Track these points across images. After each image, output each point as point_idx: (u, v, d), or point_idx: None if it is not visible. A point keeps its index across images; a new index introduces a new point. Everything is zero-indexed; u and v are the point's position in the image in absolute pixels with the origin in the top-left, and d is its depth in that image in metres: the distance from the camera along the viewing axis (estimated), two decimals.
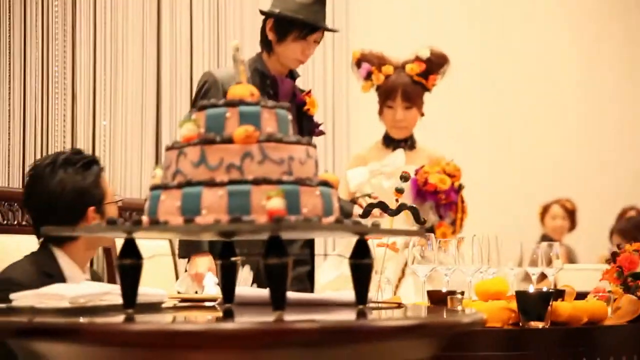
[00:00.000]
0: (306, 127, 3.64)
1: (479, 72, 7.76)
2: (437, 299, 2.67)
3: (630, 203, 7.83)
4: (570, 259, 7.42)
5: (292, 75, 3.68)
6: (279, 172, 2.04)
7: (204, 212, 1.99)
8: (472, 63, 7.61)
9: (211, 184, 2.00)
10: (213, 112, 2.12)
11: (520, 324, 2.62)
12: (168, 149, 2.11)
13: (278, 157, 2.05)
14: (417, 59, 4.13)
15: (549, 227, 7.43)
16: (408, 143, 4.15)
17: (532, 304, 2.62)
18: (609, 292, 3.03)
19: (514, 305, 2.65)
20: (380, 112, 4.17)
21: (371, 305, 2.27)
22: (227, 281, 2.31)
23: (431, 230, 3.53)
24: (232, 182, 2.00)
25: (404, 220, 3.52)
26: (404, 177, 2.98)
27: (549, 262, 3.80)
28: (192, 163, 2.05)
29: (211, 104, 2.13)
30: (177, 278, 3.99)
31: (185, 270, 3.42)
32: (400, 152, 4.06)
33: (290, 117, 2.19)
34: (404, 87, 4.09)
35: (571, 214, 7.45)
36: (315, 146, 2.17)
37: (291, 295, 2.23)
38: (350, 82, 6.21)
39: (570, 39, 8.35)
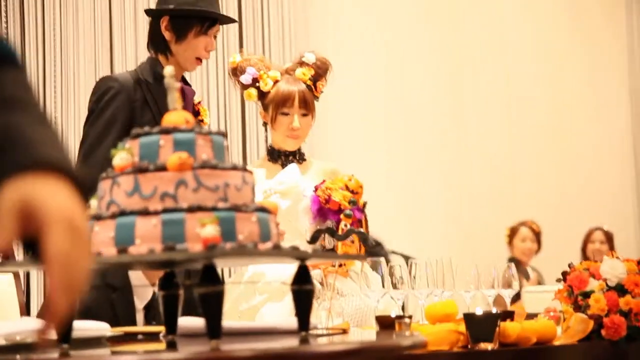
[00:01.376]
0: None
1: (440, 86, 7.78)
2: (386, 323, 2.65)
3: (594, 224, 7.89)
4: (539, 281, 7.44)
5: (187, 83, 3.55)
6: (214, 199, 2.02)
7: (138, 242, 1.96)
8: (431, 71, 7.64)
9: (145, 213, 1.97)
10: (146, 140, 2.09)
11: (469, 346, 2.61)
12: (102, 179, 2.08)
13: (213, 184, 2.03)
14: (304, 63, 3.79)
15: (518, 250, 7.45)
16: (297, 156, 3.78)
17: (480, 325, 2.61)
18: (560, 311, 3.02)
19: (462, 327, 2.63)
20: (273, 121, 3.69)
21: (314, 331, 2.25)
22: (170, 312, 2.28)
23: (333, 251, 3.29)
24: (166, 210, 1.97)
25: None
26: (353, 202, 2.96)
27: (506, 284, 3.81)
28: (125, 193, 2.02)
29: (144, 132, 2.10)
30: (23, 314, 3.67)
31: None
32: (294, 167, 3.72)
33: (226, 143, 2.17)
34: (301, 93, 3.70)
35: (538, 236, 7.48)
36: (251, 172, 2.15)
37: (232, 324, 2.21)
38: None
39: (535, 55, 8.40)
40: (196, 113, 3.53)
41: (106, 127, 3.28)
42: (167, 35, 3.40)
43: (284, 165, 3.74)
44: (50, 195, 1.17)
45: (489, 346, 2.60)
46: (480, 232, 7.86)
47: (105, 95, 3.34)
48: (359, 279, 2.95)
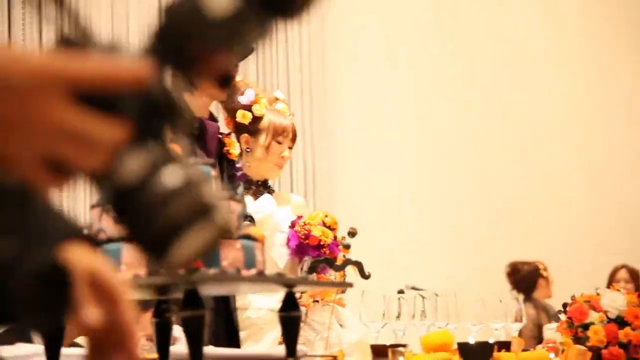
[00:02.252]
0: (227, 171, 3.43)
1: (464, 115, 7.81)
2: (380, 352, 2.67)
3: (619, 261, 7.84)
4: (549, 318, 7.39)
5: (214, 118, 3.50)
6: None
7: (124, 268, 2.01)
8: (447, 92, 7.68)
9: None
10: None
11: None
12: (92, 207, 2.14)
13: None
14: (277, 99, 3.87)
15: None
16: (267, 187, 3.84)
17: (474, 354, 2.63)
18: (560, 343, 3.03)
19: (457, 358, 2.66)
20: (267, 147, 3.74)
21: (302, 358, 2.28)
22: (162, 339, 2.32)
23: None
24: None
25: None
26: (351, 233, 3.00)
27: (515, 318, 3.82)
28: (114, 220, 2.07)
29: None
30: None
31: None
32: (268, 197, 3.76)
33: (214, 173, 2.22)
34: (294, 127, 3.82)
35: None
36: (238, 201, 2.20)
37: (219, 351, 2.25)
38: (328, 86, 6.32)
39: (563, 85, 8.42)
40: (222, 145, 3.48)
41: None
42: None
43: (254, 195, 3.75)
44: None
45: None
46: (493, 266, 7.84)
47: None
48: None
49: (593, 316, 3.07)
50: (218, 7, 0.95)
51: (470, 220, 7.76)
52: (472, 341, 2.67)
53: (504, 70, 8.17)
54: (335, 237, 3.48)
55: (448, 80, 7.73)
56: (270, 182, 3.87)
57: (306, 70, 6.41)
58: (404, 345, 2.69)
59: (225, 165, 3.40)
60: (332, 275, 3.10)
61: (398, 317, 3.24)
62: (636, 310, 3.06)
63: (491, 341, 2.84)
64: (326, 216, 3.51)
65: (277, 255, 3.55)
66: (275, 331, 3.39)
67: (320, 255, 3.40)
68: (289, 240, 3.56)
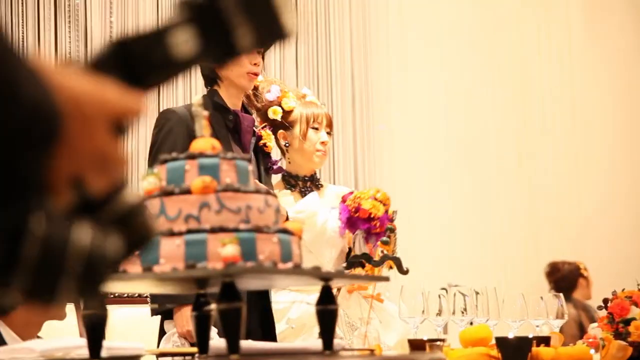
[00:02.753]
0: (263, 163, 3.45)
1: (500, 109, 7.78)
2: (417, 346, 2.68)
3: None
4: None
5: (248, 112, 3.53)
6: (236, 220, 2.09)
7: (162, 261, 2.04)
8: (492, 87, 7.66)
9: (169, 234, 2.06)
10: (173, 165, 2.18)
11: None
12: None
13: (235, 206, 2.10)
14: (306, 95, 3.86)
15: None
16: (314, 182, 3.81)
17: (512, 349, 2.63)
18: (600, 339, 3.02)
19: (495, 352, 2.65)
20: (304, 136, 3.73)
21: (340, 352, 2.29)
22: (202, 332, 2.35)
23: (359, 263, 3.20)
24: (189, 231, 2.06)
25: None
26: (390, 229, 3.01)
27: (556, 314, 3.81)
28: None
29: (172, 158, 2.20)
30: None
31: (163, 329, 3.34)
32: (314, 195, 3.74)
33: (250, 167, 2.25)
34: (327, 112, 3.82)
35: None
36: (275, 195, 2.22)
37: (256, 345, 2.27)
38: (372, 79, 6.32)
39: (603, 88, 8.36)
40: (259, 138, 3.51)
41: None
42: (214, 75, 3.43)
43: (301, 192, 3.76)
44: None
45: None
46: (534, 265, 7.81)
47: (163, 127, 3.39)
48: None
49: (634, 311, 3.07)
50: (183, 50, 1.00)
51: (512, 218, 7.73)
52: (511, 336, 2.67)
53: (549, 65, 8.12)
54: (386, 212, 3.47)
55: (492, 76, 7.71)
56: (317, 176, 3.88)
57: (348, 64, 6.43)
58: (442, 340, 2.70)
59: (261, 158, 3.42)
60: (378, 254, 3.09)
61: (438, 314, 3.25)
62: None
63: (531, 335, 2.84)
64: (378, 192, 3.50)
65: (324, 255, 3.57)
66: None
67: (370, 228, 3.40)
68: (340, 213, 3.57)
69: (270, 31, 1.07)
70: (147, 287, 2.85)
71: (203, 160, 2.17)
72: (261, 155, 3.44)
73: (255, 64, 3.40)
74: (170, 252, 2.04)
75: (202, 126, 2.27)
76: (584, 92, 8.26)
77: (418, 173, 7.07)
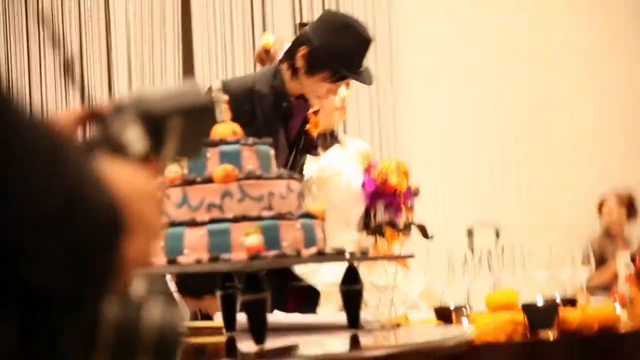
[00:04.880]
0: (305, 145, 3.40)
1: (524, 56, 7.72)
2: (443, 315, 2.70)
3: None
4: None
5: (305, 98, 3.36)
6: (259, 208, 2.11)
7: (186, 252, 2.07)
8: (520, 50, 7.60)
9: (192, 224, 2.08)
10: None
11: (529, 337, 2.64)
12: None
13: (257, 194, 2.12)
14: None
15: (604, 221, 7.37)
16: (334, 137, 3.68)
17: (539, 314, 2.64)
18: (628, 296, 3.02)
19: (521, 316, 2.67)
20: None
21: (366, 327, 2.32)
22: (228, 310, 2.38)
23: (380, 230, 3.10)
24: (212, 221, 2.07)
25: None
26: (415, 193, 3.02)
27: (584, 262, 3.82)
28: (175, 204, 2.13)
29: None
30: None
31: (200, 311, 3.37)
32: (336, 150, 3.61)
33: (272, 152, 2.26)
34: None
35: (628, 205, 7.37)
36: (299, 179, 2.23)
37: (283, 317, 2.31)
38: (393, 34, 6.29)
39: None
40: (306, 121, 3.41)
41: None
42: (299, 62, 3.22)
43: (324, 149, 3.63)
44: None
45: (549, 335, 2.62)
46: (573, 203, 7.81)
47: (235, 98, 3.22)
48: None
49: None
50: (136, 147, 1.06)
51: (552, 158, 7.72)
52: (539, 302, 2.68)
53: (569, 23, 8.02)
54: (409, 187, 3.43)
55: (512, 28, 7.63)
56: (336, 132, 3.80)
57: (370, 21, 6.36)
58: (467, 307, 2.72)
59: (303, 141, 3.35)
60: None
61: (464, 262, 3.27)
62: None
63: (558, 299, 2.85)
64: (400, 164, 3.45)
65: (349, 212, 3.56)
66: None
67: (393, 201, 3.37)
68: (364, 185, 3.52)
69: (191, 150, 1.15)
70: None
71: (224, 148, 2.18)
72: (304, 137, 3.36)
73: (330, 95, 3.31)
74: (194, 243, 2.07)
75: (222, 111, 2.27)
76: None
77: (443, 123, 7.04)
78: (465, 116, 7.20)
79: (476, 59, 7.32)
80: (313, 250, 2.12)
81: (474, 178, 7.20)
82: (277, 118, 3.18)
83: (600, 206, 7.41)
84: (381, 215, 3.19)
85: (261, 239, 2.03)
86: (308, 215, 2.17)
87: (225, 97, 2.29)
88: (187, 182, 2.12)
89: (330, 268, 3.62)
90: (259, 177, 2.13)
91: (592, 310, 2.80)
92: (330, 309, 3.08)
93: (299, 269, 3.31)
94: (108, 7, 4.63)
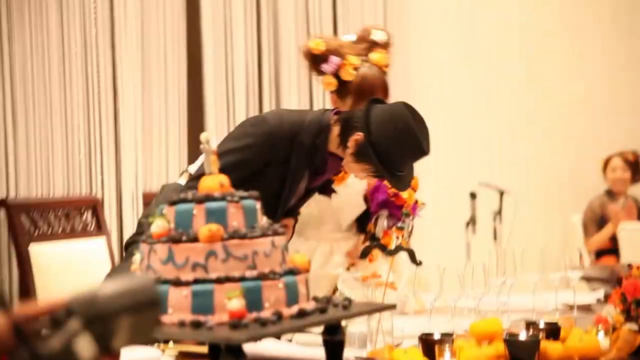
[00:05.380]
0: (324, 186, 3.35)
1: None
2: (428, 343, 2.75)
3: None
4: (638, 210, 7.38)
5: (340, 157, 3.23)
6: (243, 267, 2.15)
7: (170, 311, 2.12)
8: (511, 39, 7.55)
9: (177, 283, 2.12)
10: (181, 208, 2.23)
11: None
12: (143, 241, 2.24)
13: (242, 254, 2.15)
14: (377, 44, 3.56)
15: (609, 180, 7.41)
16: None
17: (521, 349, 2.70)
18: (612, 320, 3.06)
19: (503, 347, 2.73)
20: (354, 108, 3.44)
21: None
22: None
23: (377, 241, 3.16)
24: (196, 281, 2.12)
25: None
26: (407, 214, 3.04)
27: (576, 262, 3.87)
28: (161, 260, 2.17)
29: (180, 200, 2.24)
30: None
31: None
32: None
33: (258, 206, 2.28)
34: (384, 84, 3.53)
35: (632, 165, 7.40)
36: (283, 233, 2.26)
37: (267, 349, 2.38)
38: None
39: None
40: (337, 173, 3.38)
41: (231, 165, 2.99)
42: (350, 143, 3.10)
43: None
44: None
45: None
46: (578, 163, 7.84)
47: (251, 131, 3.13)
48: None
49: None
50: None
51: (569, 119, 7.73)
52: (522, 335, 2.73)
53: None
54: (416, 201, 3.44)
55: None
56: None
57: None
58: (452, 337, 2.77)
59: (327, 183, 3.34)
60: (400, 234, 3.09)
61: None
62: None
63: (542, 324, 2.91)
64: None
65: (346, 216, 3.62)
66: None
67: (397, 213, 3.39)
68: (374, 190, 3.54)
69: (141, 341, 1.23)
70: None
71: (210, 205, 2.21)
72: (328, 182, 3.34)
73: (360, 178, 3.26)
74: (178, 302, 2.11)
75: (210, 162, 2.30)
76: None
77: (452, 78, 7.03)
78: (470, 78, 7.19)
79: (481, 18, 7.28)
80: (294, 309, 2.17)
81: (478, 142, 7.22)
82: (308, 169, 3.14)
83: (605, 165, 7.46)
84: (382, 227, 3.22)
85: (243, 303, 2.08)
86: (291, 272, 2.21)
87: (214, 149, 2.31)
88: (173, 240, 2.16)
89: (316, 259, 3.69)
90: (243, 237, 2.17)
91: (573, 343, 2.85)
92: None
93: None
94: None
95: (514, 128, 7.53)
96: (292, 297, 2.19)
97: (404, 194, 3.41)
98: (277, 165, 3.06)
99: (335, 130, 3.11)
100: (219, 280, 2.11)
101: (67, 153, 4.39)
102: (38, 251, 3.91)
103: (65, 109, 4.40)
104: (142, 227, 3.04)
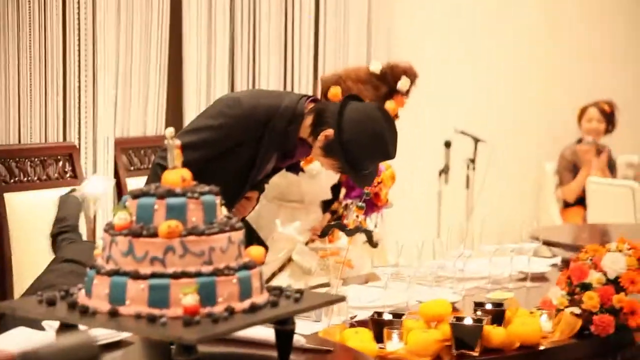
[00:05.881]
0: (290, 167, 3.50)
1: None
2: (379, 324, 2.89)
3: None
4: (609, 158, 7.51)
5: (309, 144, 3.35)
6: (199, 263, 2.27)
7: (128, 303, 2.24)
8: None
9: (135, 276, 2.24)
10: (143, 202, 2.33)
11: (454, 354, 2.85)
12: (105, 230, 2.35)
13: (198, 250, 2.27)
14: (398, 92, 3.71)
15: (584, 130, 7.53)
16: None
17: (465, 333, 2.85)
18: (557, 303, 3.21)
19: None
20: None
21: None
22: None
23: (342, 227, 3.21)
24: (153, 275, 2.24)
25: None
26: (367, 194, 3.17)
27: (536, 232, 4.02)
28: (121, 252, 2.29)
29: (142, 193, 2.35)
30: None
31: None
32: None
33: (217, 201, 2.40)
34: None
35: (607, 116, 7.50)
36: (241, 229, 2.38)
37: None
38: None
39: None
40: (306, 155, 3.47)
41: (203, 142, 3.20)
42: (320, 137, 3.25)
43: None
44: None
45: (472, 353, 2.84)
46: (555, 111, 7.95)
47: (227, 112, 3.25)
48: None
49: (593, 276, 3.23)
50: None
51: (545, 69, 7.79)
52: (467, 320, 2.88)
53: None
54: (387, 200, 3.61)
55: None
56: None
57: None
58: (400, 316, 2.90)
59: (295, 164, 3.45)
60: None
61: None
62: (633, 275, 3.20)
63: (488, 306, 3.06)
64: (389, 167, 3.58)
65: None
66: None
67: (368, 203, 3.53)
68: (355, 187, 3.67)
69: None
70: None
71: (171, 201, 2.32)
72: (296, 163, 3.43)
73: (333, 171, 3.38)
74: (136, 295, 2.24)
75: (174, 157, 2.40)
76: None
77: (434, 26, 7.06)
78: (449, 28, 7.22)
79: None
80: (247, 303, 2.30)
81: (454, 92, 7.29)
82: (277, 151, 3.25)
83: (581, 115, 7.58)
84: (353, 214, 3.35)
85: (197, 299, 2.20)
86: (246, 267, 2.34)
87: (178, 143, 2.41)
88: (134, 234, 2.28)
89: (277, 221, 3.83)
90: (201, 234, 2.28)
91: (516, 328, 2.99)
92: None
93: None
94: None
95: (491, 77, 7.60)
96: (245, 291, 2.31)
97: (383, 194, 3.57)
98: (248, 146, 3.18)
99: (309, 119, 3.23)
100: (175, 275, 2.23)
101: (46, 100, 4.45)
102: (13, 200, 4.01)
103: (46, 58, 4.44)
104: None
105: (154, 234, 2.27)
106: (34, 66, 4.40)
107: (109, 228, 2.34)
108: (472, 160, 6.75)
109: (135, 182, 4.60)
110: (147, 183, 3.23)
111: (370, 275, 3.70)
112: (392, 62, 3.72)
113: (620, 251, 3.29)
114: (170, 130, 2.41)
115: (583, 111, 7.60)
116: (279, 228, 3.66)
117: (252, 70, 5.47)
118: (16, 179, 4.10)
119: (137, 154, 4.78)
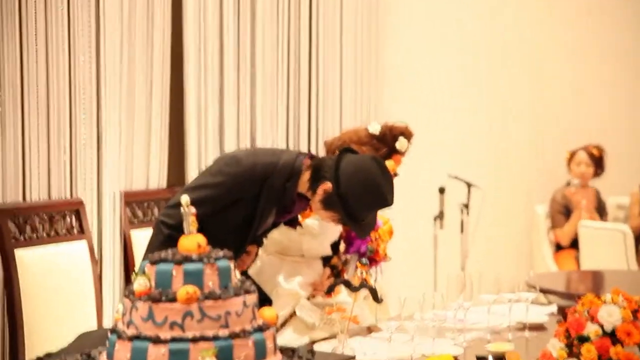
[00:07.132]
0: (288, 222, 3.61)
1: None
2: None
3: None
4: (599, 201, 7.63)
5: (307, 198, 3.48)
6: (217, 326, 2.38)
7: None
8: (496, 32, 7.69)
9: (156, 340, 2.35)
10: (161, 268, 2.45)
11: None
12: (125, 296, 2.46)
13: (215, 314, 2.38)
14: (397, 152, 3.95)
15: (574, 173, 7.66)
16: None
17: None
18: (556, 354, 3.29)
19: None
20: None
21: None
22: None
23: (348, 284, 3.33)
24: (173, 339, 2.35)
25: None
26: (370, 250, 3.28)
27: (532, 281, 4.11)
28: (142, 318, 2.39)
29: (161, 259, 2.46)
30: None
31: None
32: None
33: (232, 265, 2.51)
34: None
35: (597, 160, 7.64)
36: (254, 292, 2.49)
37: None
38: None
39: None
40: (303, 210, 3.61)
41: (204, 199, 3.27)
42: (319, 191, 3.37)
43: None
44: None
45: None
46: (545, 154, 8.08)
47: (226, 170, 3.37)
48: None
49: (590, 328, 3.31)
50: None
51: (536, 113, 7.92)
52: None
53: None
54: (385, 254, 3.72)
55: None
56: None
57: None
58: None
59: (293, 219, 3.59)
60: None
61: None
62: (628, 327, 3.29)
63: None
64: (387, 222, 3.70)
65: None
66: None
67: (367, 258, 3.66)
68: (356, 240, 3.78)
69: None
70: None
71: (188, 267, 2.43)
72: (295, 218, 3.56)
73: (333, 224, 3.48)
74: (157, 359, 2.34)
75: (189, 223, 2.52)
76: None
77: (423, 74, 7.17)
78: (439, 73, 7.33)
79: (449, 15, 7.41)
80: None
81: (445, 137, 7.39)
82: (276, 207, 3.39)
83: (570, 159, 7.71)
84: (353, 268, 3.46)
85: None
86: (260, 329, 2.45)
87: (194, 211, 2.52)
88: (153, 299, 2.38)
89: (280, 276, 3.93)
90: (217, 298, 2.39)
91: None
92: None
93: None
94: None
95: (481, 121, 7.71)
96: (260, 353, 2.42)
97: (381, 249, 3.68)
98: (247, 202, 3.31)
99: (306, 174, 3.35)
100: (194, 340, 2.34)
101: (49, 156, 4.45)
102: (23, 256, 4.08)
103: (48, 112, 4.46)
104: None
105: (173, 299, 2.38)
106: (42, 120, 4.41)
107: (129, 293, 2.45)
108: (466, 205, 6.85)
109: (140, 234, 4.69)
110: (152, 241, 3.34)
111: (372, 327, 3.79)
112: (389, 124, 3.91)
113: (615, 303, 3.37)
114: (186, 199, 2.52)
115: (572, 155, 7.74)
116: (282, 284, 3.76)
117: (249, 124, 5.56)
118: (25, 235, 4.17)
119: (140, 206, 4.86)
